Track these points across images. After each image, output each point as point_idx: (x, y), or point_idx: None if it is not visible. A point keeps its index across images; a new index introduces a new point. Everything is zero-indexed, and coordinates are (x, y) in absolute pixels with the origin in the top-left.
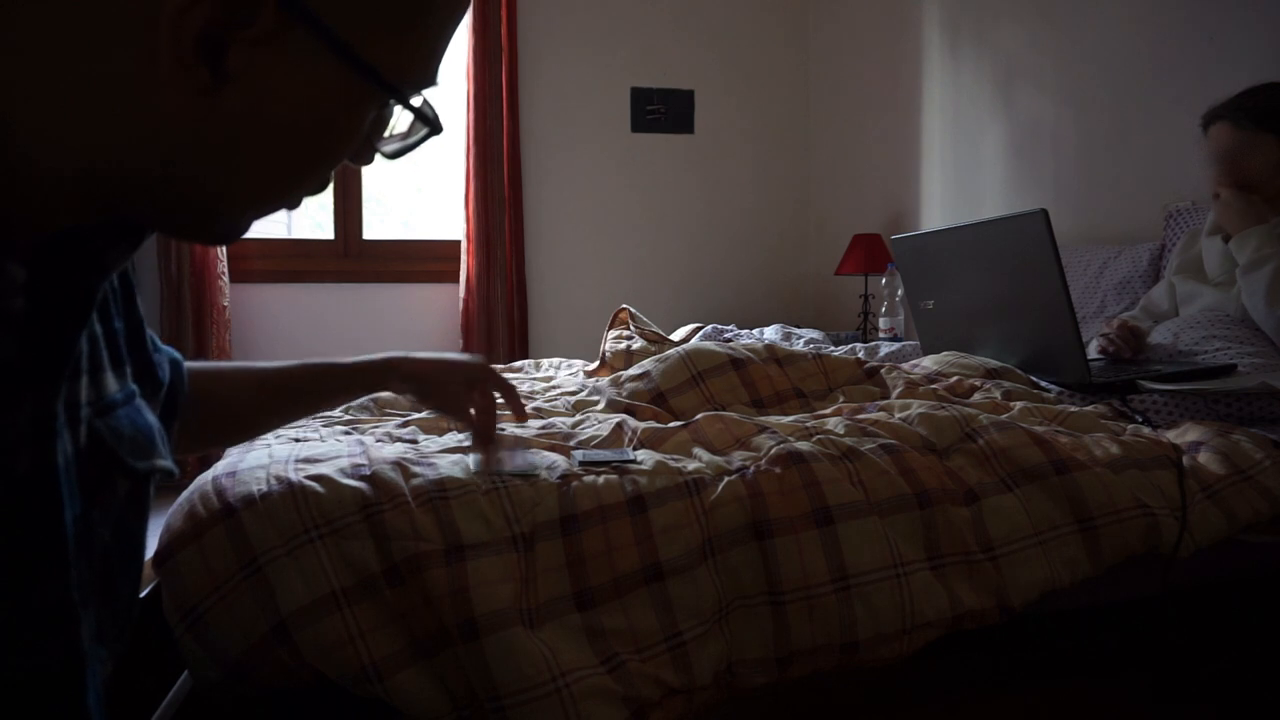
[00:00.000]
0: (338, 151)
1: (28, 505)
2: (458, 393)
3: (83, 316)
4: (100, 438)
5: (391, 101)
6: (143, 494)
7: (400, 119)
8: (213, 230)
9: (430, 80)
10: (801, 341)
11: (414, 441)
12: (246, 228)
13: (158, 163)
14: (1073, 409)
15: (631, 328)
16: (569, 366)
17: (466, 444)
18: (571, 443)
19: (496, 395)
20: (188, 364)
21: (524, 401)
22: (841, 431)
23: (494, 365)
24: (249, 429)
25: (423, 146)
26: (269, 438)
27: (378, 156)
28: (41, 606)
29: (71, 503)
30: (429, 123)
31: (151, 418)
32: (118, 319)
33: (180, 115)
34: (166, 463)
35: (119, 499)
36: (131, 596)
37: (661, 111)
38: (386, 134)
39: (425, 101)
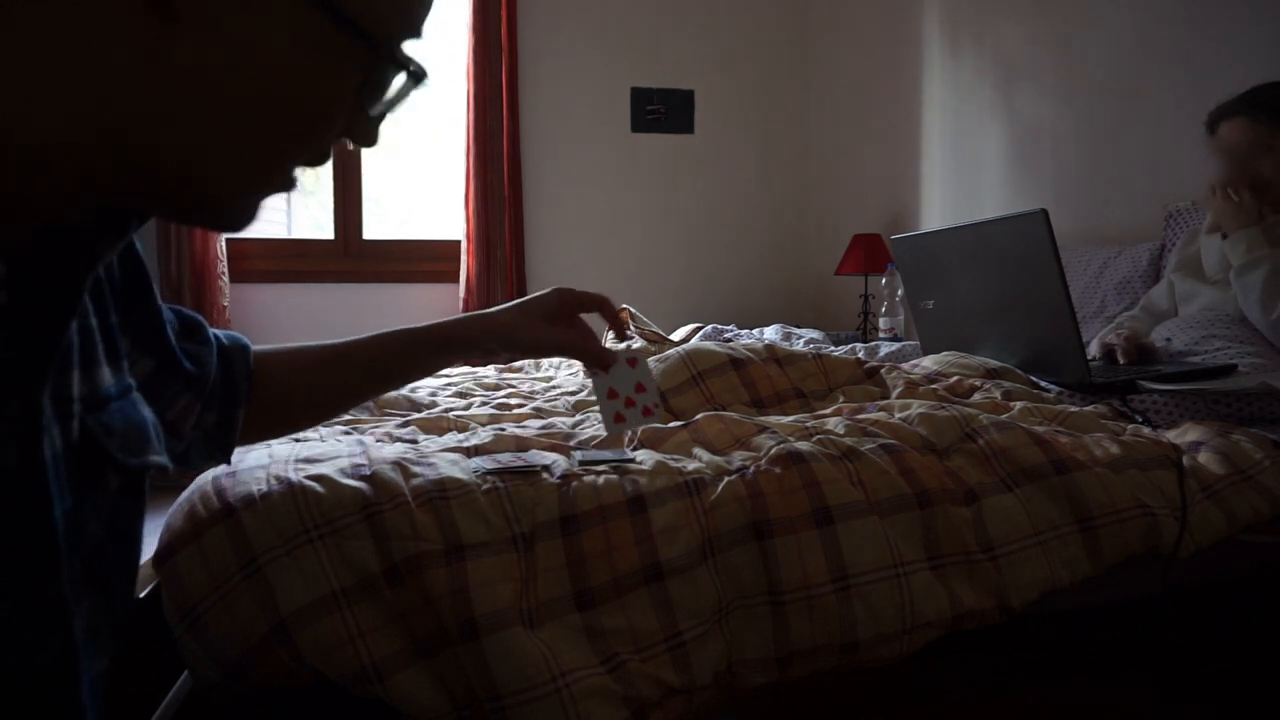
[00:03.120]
0: (325, 115)
1: (16, 500)
2: (565, 336)
3: (69, 309)
4: (91, 433)
5: (380, 65)
6: (137, 490)
7: (392, 85)
8: (211, 213)
9: (415, 31)
10: (801, 341)
11: (414, 441)
12: (253, 211)
13: (129, 125)
14: (1073, 409)
15: (631, 328)
16: (569, 366)
17: (467, 444)
18: (571, 443)
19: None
20: (256, 348)
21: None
22: (841, 431)
23: (495, 365)
24: (325, 410)
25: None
26: None
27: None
28: (33, 601)
29: (61, 498)
30: (414, 75)
31: (147, 412)
32: (114, 312)
33: (141, 67)
34: (160, 459)
35: (111, 494)
36: (127, 593)
37: (661, 111)
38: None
39: (408, 55)
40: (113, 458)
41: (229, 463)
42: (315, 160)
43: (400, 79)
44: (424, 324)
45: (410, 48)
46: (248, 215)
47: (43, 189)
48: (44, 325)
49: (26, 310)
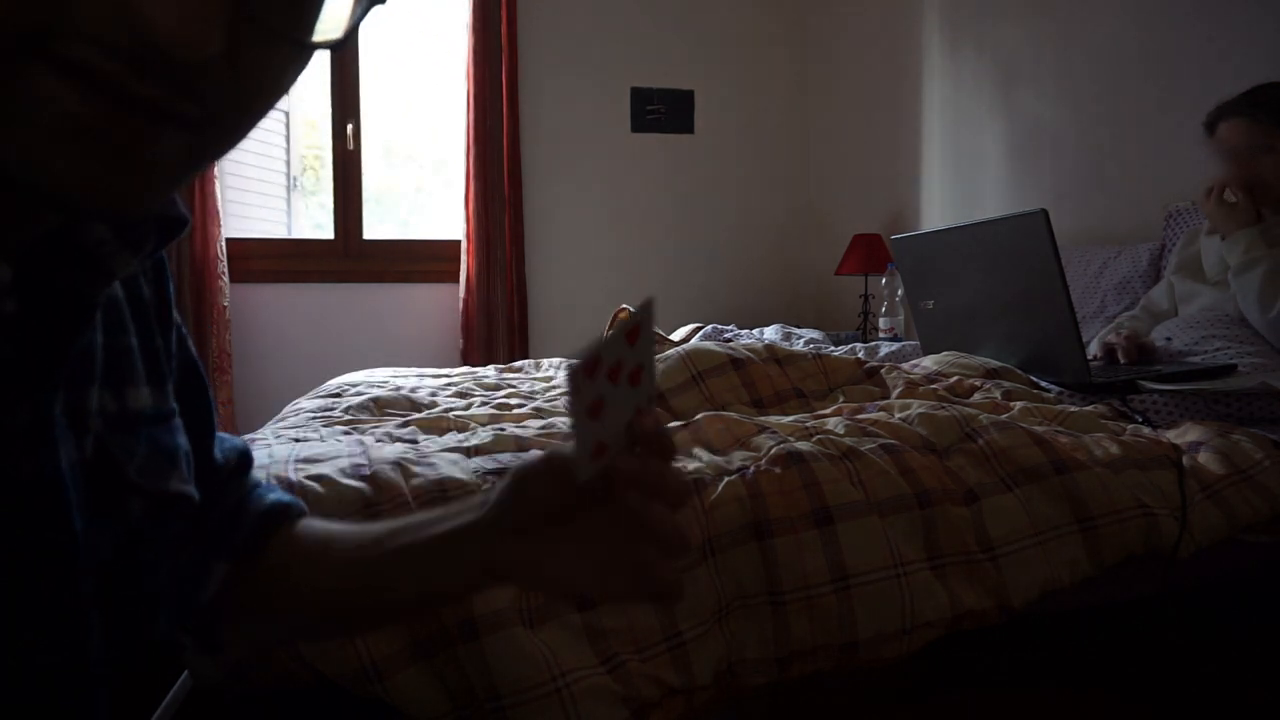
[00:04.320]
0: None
1: (34, 508)
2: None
3: (81, 319)
4: (109, 452)
5: None
6: (161, 520)
7: (337, 5)
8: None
9: None
10: (801, 341)
11: (414, 441)
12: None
13: None
14: (1073, 409)
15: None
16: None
17: (467, 444)
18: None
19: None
20: (310, 523)
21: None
22: (841, 431)
23: (494, 366)
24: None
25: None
26: (269, 438)
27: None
28: (50, 608)
29: (80, 509)
30: None
31: (182, 440)
32: (160, 336)
33: None
34: (184, 488)
35: (131, 518)
36: (143, 622)
37: (661, 111)
38: (331, 26)
39: None
40: (128, 479)
41: (213, 651)
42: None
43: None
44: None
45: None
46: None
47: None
48: (55, 333)
49: (38, 319)
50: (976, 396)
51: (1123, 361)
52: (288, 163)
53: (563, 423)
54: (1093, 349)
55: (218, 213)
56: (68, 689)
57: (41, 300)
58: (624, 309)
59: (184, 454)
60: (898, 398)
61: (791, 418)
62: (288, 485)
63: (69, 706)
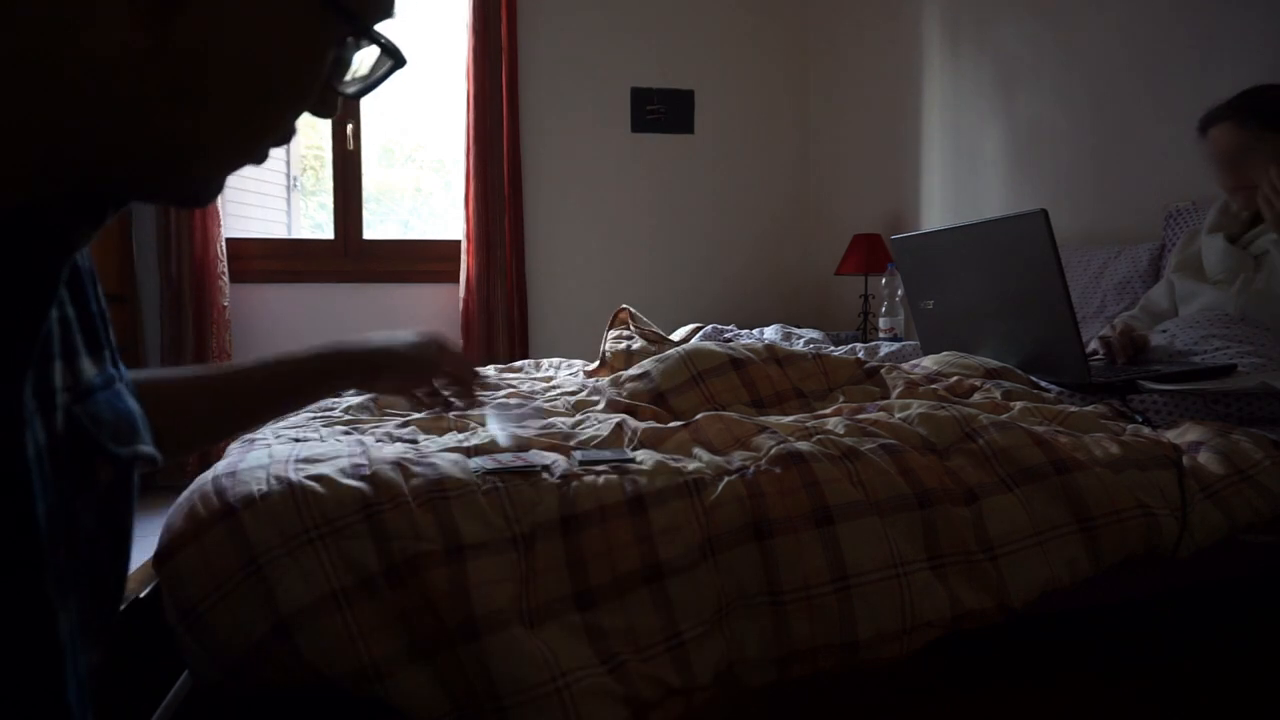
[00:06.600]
0: (302, 93)
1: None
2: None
3: (47, 297)
4: (80, 424)
5: (350, 41)
6: (126, 483)
7: (362, 60)
8: (185, 190)
9: (388, 11)
10: (801, 341)
11: (414, 441)
12: (219, 187)
13: (111, 113)
14: (1073, 409)
15: (631, 328)
16: (569, 366)
17: (467, 444)
18: (571, 443)
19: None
20: (131, 373)
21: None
22: (841, 431)
23: (494, 365)
24: (203, 437)
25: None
26: (269, 437)
27: (340, 105)
28: (14, 604)
29: (44, 494)
30: (392, 54)
31: (133, 403)
32: (95, 303)
33: (125, 55)
34: (149, 449)
35: (102, 487)
36: (118, 587)
37: (661, 111)
38: (348, 77)
39: (385, 34)
40: (103, 448)
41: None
42: (285, 139)
43: (376, 57)
44: (301, 354)
45: (384, 27)
46: (217, 191)
47: (25, 175)
48: (22, 314)
49: (3, 299)
50: (976, 396)
51: (1106, 353)
52: (288, 163)
53: (562, 423)
54: (1090, 347)
55: (218, 213)
56: (36, 681)
57: (4, 278)
58: (624, 309)
59: (139, 417)
60: (898, 398)
61: (791, 418)
62: (287, 484)
63: (39, 697)
